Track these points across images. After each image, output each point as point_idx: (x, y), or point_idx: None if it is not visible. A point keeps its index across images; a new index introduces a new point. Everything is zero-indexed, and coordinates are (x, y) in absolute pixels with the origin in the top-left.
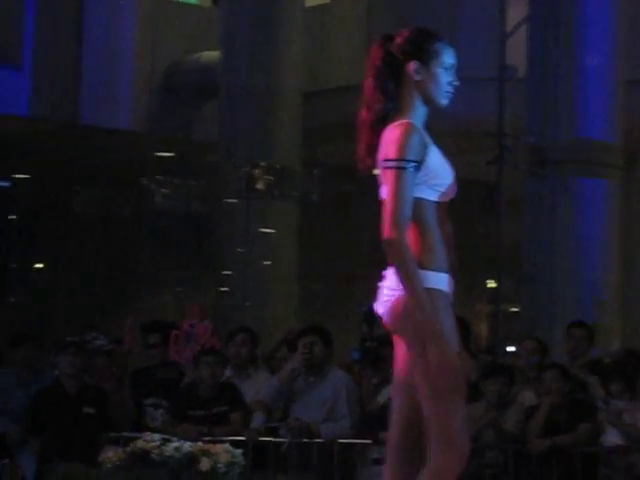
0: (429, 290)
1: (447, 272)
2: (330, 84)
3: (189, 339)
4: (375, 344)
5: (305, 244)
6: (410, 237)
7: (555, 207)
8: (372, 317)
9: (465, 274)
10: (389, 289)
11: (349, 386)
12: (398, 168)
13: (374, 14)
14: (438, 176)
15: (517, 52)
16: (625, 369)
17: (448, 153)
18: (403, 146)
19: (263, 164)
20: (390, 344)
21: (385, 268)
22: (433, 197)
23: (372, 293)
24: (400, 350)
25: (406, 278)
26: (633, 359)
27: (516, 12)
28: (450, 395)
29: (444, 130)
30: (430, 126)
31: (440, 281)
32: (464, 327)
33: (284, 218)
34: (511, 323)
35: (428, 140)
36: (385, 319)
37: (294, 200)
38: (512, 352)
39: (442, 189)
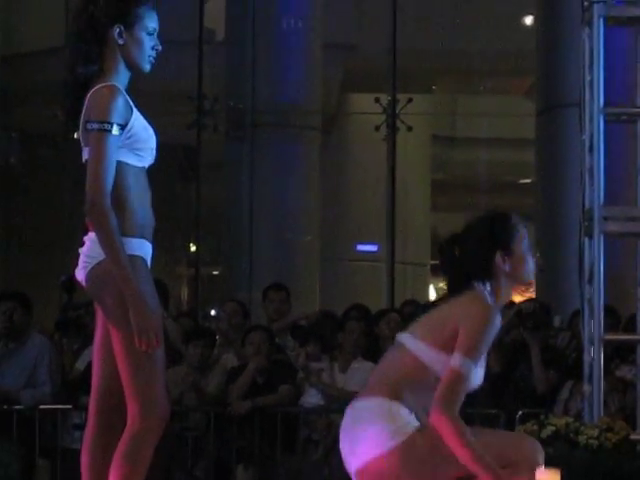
0: (130, 256)
1: (147, 238)
2: (27, 47)
3: None
4: (76, 313)
5: (3, 209)
6: (112, 202)
7: (255, 170)
8: (71, 285)
9: (165, 238)
10: (89, 255)
11: (49, 352)
12: (101, 130)
13: None
14: (141, 140)
15: (216, 16)
16: (322, 331)
17: (147, 117)
18: (107, 109)
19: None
20: (91, 311)
21: (86, 234)
22: (136, 162)
23: (74, 260)
24: (100, 316)
25: (107, 244)
26: (329, 321)
27: None
28: (149, 360)
29: (143, 93)
30: (129, 89)
31: (141, 248)
32: (163, 291)
33: None
34: (212, 286)
35: (132, 104)
36: (85, 285)
37: None
38: (213, 316)
39: (145, 154)
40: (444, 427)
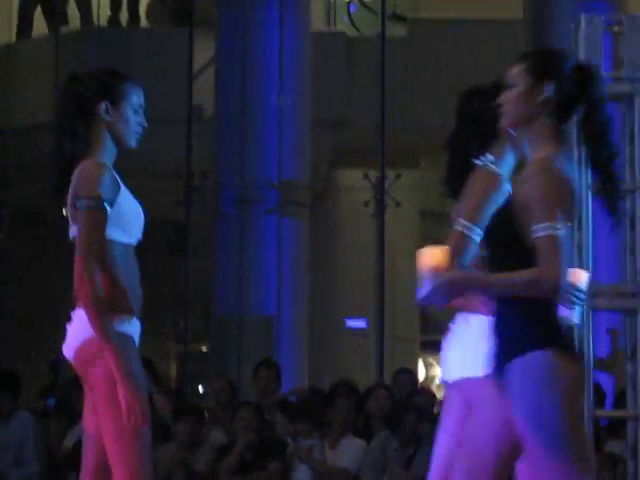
0: (118, 334)
1: (135, 316)
2: (16, 123)
3: None
4: (63, 392)
5: None
6: (101, 279)
7: (243, 246)
8: (58, 363)
9: (153, 314)
10: (77, 331)
11: (34, 430)
12: (90, 207)
13: (61, 54)
14: (129, 217)
15: (206, 91)
16: (311, 407)
17: (136, 194)
18: (94, 185)
19: None
20: (79, 388)
21: (73, 310)
22: (124, 238)
23: (61, 336)
24: (88, 394)
25: (96, 320)
26: (318, 397)
27: (203, 52)
28: (136, 437)
29: (132, 171)
30: (117, 166)
31: (129, 325)
32: (149, 368)
33: None
34: (200, 363)
35: (119, 180)
36: (73, 362)
37: None
38: (202, 393)
39: (133, 230)
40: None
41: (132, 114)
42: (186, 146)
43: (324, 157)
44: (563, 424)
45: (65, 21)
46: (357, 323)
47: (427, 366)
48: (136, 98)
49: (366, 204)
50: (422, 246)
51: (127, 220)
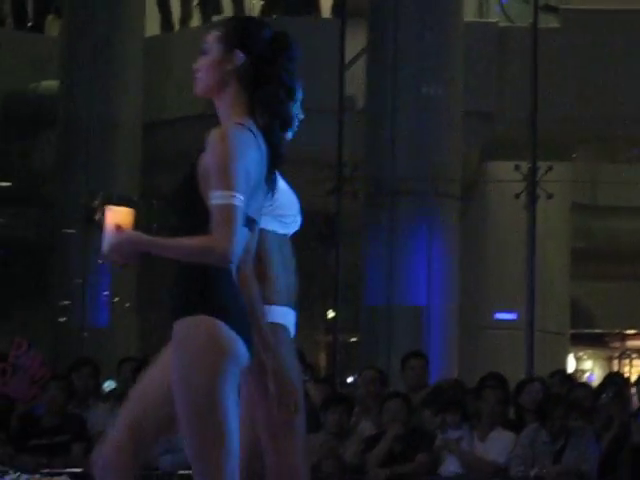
0: (272, 324)
1: (290, 306)
2: (171, 115)
3: (16, 370)
4: None
5: (144, 275)
6: (256, 270)
7: (393, 237)
8: None
9: (304, 304)
10: None
11: None
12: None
13: None
14: (284, 207)
15: (356, 83)
16: (459, 399)
17: (289, 184)
18: None
19: (102, 194)
20: None
21: None
22: (278, 229)
23: None
24: (243, 384)
25: (250, 312)
26: (466, 389)
27: (355, 42)
28: (288, 427)
29: (285, 160)
30: None
31: (282, 315)
32: (300, 357)
33: None
34: (350, 353)
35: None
36: None
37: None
38: (351, 382)
39: (288, 221)
40: None
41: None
42: (337, 137)
43: (475, 148)
44: (207, 392)
45: (219, 11)
46: (508, 316)
47: (577, 359)
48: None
49: (517, 196)
50: (573, 239)
51: (283, 210)
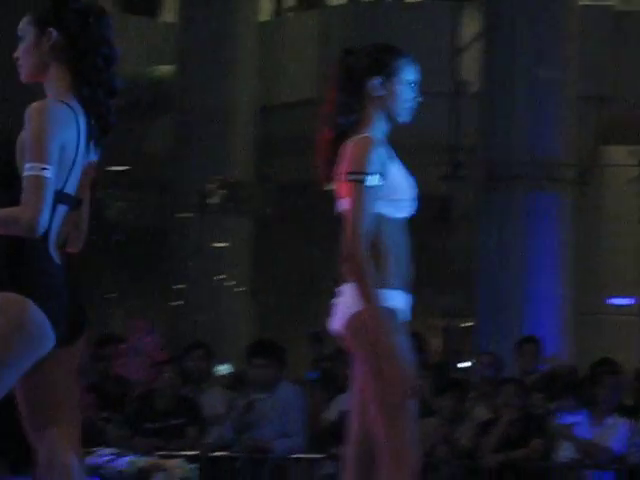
0: (386, 308)
1: (405, 290)
2: (284, 99)
3: (136, 353)
4: (329, 364)
5: (259, 259)
6: (370, 253)
7: (507, 221)
8: (319, 337)
9: (418, 288)
10: (346, 305)
11: (301, 401)
12: (358, 181)
13: (328, 29)
14: (398, 191)
15: (471, 67)
16: (574, 384)
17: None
18: (363, 160)
19: (217, 178)
20: (343, 362)
21: (339, 283)
22: (394, 213)
23: (325, 308)
24: (357, 367)
25: (364, 294)
26: (580, 374)
27: (470, 27)
28: (401, 411)
29: (399, 144)
30: (389, 141)
31: (397, 299)
32: (420, 342)
33: (238, 232)
34: (464, 338)
35: (389, 155)
36: (342, 335)
37: (248, 214)
38: (465, 367)
39: (404, 204)
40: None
41: (405, 90)
42: (452, 121)
43: (590, 133)
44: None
45: None
46: (623, 301)
47: None
48: (409, 73)
49: (630, 181)
50: None
51: (398, 194)
